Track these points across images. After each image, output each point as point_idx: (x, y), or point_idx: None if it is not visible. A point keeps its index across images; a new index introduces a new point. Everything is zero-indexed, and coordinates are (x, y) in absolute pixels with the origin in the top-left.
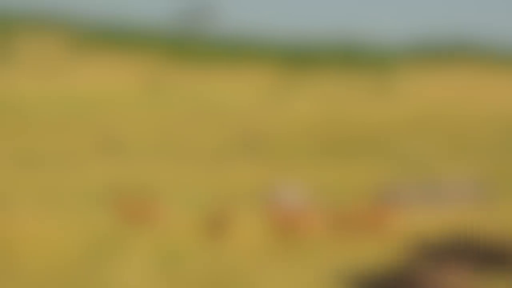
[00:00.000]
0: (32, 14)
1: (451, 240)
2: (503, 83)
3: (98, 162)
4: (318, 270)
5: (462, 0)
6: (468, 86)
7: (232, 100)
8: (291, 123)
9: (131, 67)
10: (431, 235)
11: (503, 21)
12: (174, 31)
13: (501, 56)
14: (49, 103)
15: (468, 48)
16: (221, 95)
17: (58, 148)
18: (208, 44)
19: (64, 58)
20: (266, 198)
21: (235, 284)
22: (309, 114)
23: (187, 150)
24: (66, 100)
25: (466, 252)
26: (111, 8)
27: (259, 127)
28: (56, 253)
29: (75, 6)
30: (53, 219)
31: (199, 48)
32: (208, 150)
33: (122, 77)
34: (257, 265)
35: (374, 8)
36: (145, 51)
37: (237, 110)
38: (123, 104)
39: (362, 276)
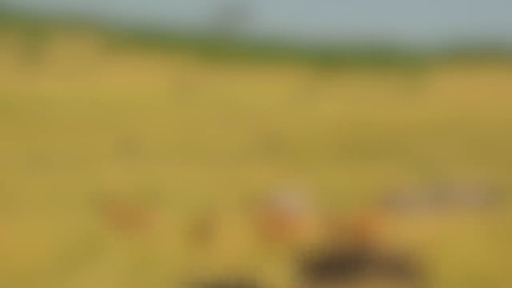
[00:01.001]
0: (67, 16)
1: (339, 254)
2: None
3: (112, 164)
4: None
5: (493, 3)
6: (497, 88)
7: (259, 101)
8: (315, 125)
9: (163, 69)
10: (318, 249)
11: None
12: (207, 33)
13: None
14: (77, 105)
15: (498, 50)
16: (249, 96)
17: (75, 149)
18: (240, 45)
19: (96, 60)
20: (264, 201)
21: None
22: (334, 116)
23: (206, 152)
24: (93, 101)
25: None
26: (146, 10)
27: (281, 129)
28: (30, 256)
29: (110, 8)
30: (40, 222)
31: (231, 49)
32: (227, 152)
33: (153, 79)
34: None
35: (406, 10)
36: (177, 53)
37: (263, 112)
38: (151, 105)
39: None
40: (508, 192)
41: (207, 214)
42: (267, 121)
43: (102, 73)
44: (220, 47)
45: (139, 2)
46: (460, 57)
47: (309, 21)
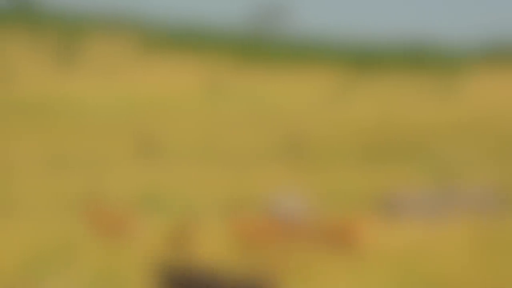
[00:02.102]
0: (103, 16)
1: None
2: None
3: (128, 166)
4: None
5: None
6: None
7: (289, 102)
8: (342, 127)
9: (196, 69)
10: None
11: None
12: (244, 32)
13: None
14: (107, 105)
15: None
16: (280, 97)
17: (96, 151)
18: (275, 46)
19: (131, 60)
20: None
21: None
22: (363, 117)
23: (227, 154)
24: (124, 102)
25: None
26: (184, 10)
27: (308, 130)
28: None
29: (147, 8)
30: (29, 225)
31: (266, 49)
32: (247, 154)
33: (186, 79)
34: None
35: (441, 10)
36: (212, 53)
37: (292, 113)
38: (180, 106)
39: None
40: None
41: (187, 220)
42: (295, 122)
43: (136, 74)
44: (256, 47)
45: (177, 2)
46: (495, 58)
47: (346, 21)
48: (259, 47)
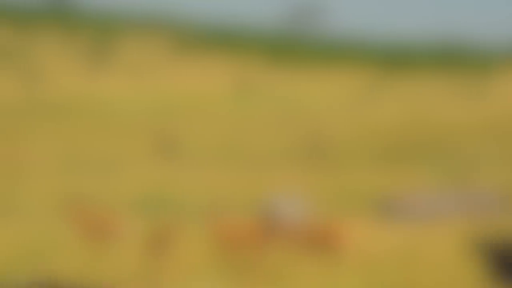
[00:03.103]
0: (137, 16)
1: None
2: None
3: (144, 165)
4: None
5: None
6: None
7: (317, 102)
8: (367, 127)
9: (229, 69)
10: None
11: None
12: (277, 32)
13: None
14: (133, 104)
15: None
16: (308, 97)
17: (114, 150)
18: (307, 46)
19: (163, 60)
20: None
21: None
22: (390, 117)
23: (247, 155)
24: (151, 101)
25: None
26: (218, 10)
27: (332, 131)
28: None
29: (181, 8)
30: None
31: (298, 49)
32: (268, 155)
33: (217, 79)
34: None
35: (473, 10)
36: (245, 53)
37: (319, 113)
38: (208, 106)
39: None
40: None
41: (167, 225)
42: (319, 123)
43: (167, 73)
44: (288, 47)
45: (212, 2)
46: None
47: (378, 21)
48: (291, 47)
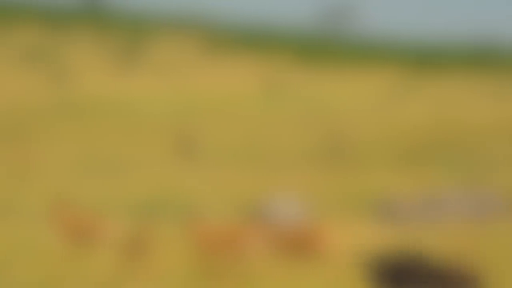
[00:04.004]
0: (168, 16)
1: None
2: None
3: (161, 167)
4: None
5: None
6: None
7: (345, 103)
8: (392, 128)
9: (258, 69)
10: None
11: None
12: (309, 33)
13: None
14: (160, 105)
15: None
16: (337, 98)
17: (135, 151)
18: (338, 46)
19: (193, 60)
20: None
21: None
22: (416, 118)
23: (266, 155)
24: (178, 102)
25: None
26: (251, 11)
27: (357, 132)
28: None
29: (214, 8)
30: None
31: (328, 49)
32: (288, 156)
33: (247, 79)
34: None
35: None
36: (274, 53)
37: (345, 114)
38: (233, 107)
39: None
40: None
41: (145, 229)
42: (344, 123)
43: (197, 74)
44: (318, 47)
45: (245, 2)
46: None
47: (411, 21)
48: (321, 48)
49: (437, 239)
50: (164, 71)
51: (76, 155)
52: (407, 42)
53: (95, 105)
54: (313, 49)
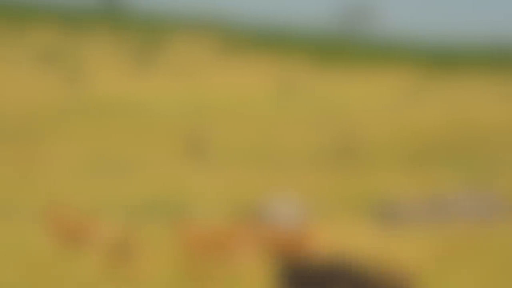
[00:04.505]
0: (185, 17)
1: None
2: None
3: (168, 167)
4: None
5: None
6: None
7: (360, 103)
8: (404, 129)
9: (272, 70)
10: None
11: None
12: (325, 34)
13: None
14: (173, 105)
15: None
16: (351, 98)
17: (144, 151)
18: (353, 47)
19: (209, 61)
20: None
21: None
22: (429, 119)
23: (275, 156)
24: (191, 102)
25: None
26: (270, 12)
27: (369, 132)
28: None
29: (232, 9)
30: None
31: (344, 50)
32: (297, 157)
33: (261, 80)
34: None
35: None
36: (290, 54)
37: (358, 114)
38: (246, 107)
39: None
40: None
41: (132, 231)
42: (358, 124)
43: (213, 74)
44: (335, 48)
45: (262, 4)
46: None
47: (430, 23)
48: (337, 48)
49: (417, 244)
50: (179, 72)
51: (85, 155)
52: (423, 43)
53: (108, 105)
54: (328, 50)
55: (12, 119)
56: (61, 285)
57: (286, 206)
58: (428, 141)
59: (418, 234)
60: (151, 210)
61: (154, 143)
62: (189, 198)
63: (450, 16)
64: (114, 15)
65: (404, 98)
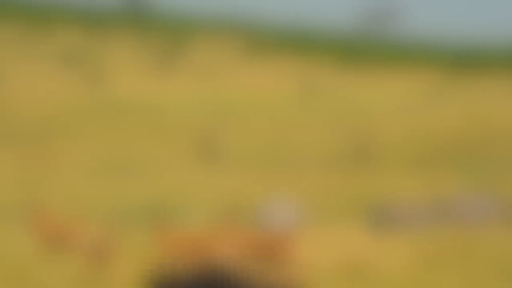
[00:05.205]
0: (210, 18)
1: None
2: None
3: (179, 170)
4: None
5: None
6: None
7: (380, 105)
8: (423, 131)
9: (296, 71)
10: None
11: None
12: (348, 35)
13: None
14: (195, 107)
15: None
16: (372, 100)
17: (158, 153)
18: (376, 48)
19: (232, 62)
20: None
21: None
22: (447, 121)
23: (289, 158)
24: (213, 104)
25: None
26: (294, 13)
27: (386, 134)
28: None
29: (255, 11)
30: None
31: (368, 51)
32: (310, 159)
33: (283, 82)
34: None
35: None
36: (313, 56)
37: (379, 116)
38: (267, 110)
39: None
40: None
41: (110, 237)
42: (376, 126)
43: (236, 76)
44: (358, 49)
45: (287, 5)
46: None
47: (453, 23)
48: (361, 50)
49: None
50: (201, 74)
51: (95, 156)
52: (446, 44)
53: (127, 107)
54: (352, 51)
55: (29, 119)
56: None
57: (282, 209)
58: (442, 143)
59: (412, 238)
60: (147, 212)
61: (168, 145)
62: (189, 200)
63: (473, 17)
64: (138, 16)
65: (423, 100)
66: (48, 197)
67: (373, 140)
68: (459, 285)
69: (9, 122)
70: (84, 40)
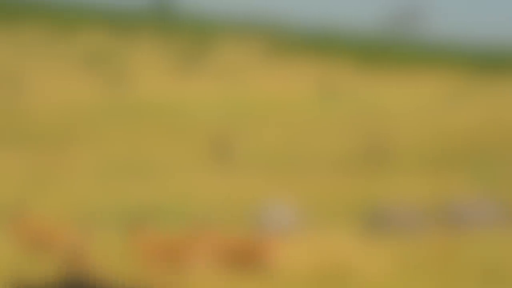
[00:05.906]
0: (233, 19)
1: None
2: None
3: (190, 171)
4: None
5: None
6: None
7: (399, 107)
8: (439, 133)
9: (317, 72)
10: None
11: None
12: (371, 36)
13: None
14: (214, 108)
15: None
16: (391, 102)
17: (172, 154)
18: (398, 49)
19: (255, 63)
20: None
21: None
22: (467, 123)
23: (303, 160)
24: (232, 105)
25: None
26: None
27: (402, 136)
28: None
29: (279, 12)
30: None
31: (389, 52)
32: (324, 161)
33: (305, 83)
34: None
35: None
36: (335, 57)
37: (397, 118)
38: (285, 111)
39: None
40: None
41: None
42: (393, 127)
43: (258, 77)
44: (381, 50)
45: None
46: None
47: (477, 24)
48: (383, 51)
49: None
50: (223, 75)
51: (110, 157)
52: (468, 46)
53: (148, 108)
54: (373, 53)
55: (49, 120)
56: None
57: (279, 212)
58: (457, 146)
59: (403, 243)
60: (144, 215)
61: (184, 146)
62: (194, 202)
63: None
64: (162, 18)
65: (442, 102)
66: (45, 201)
67: (388, 142)
68: None
69: (29, 123)
70: (108, 41)
